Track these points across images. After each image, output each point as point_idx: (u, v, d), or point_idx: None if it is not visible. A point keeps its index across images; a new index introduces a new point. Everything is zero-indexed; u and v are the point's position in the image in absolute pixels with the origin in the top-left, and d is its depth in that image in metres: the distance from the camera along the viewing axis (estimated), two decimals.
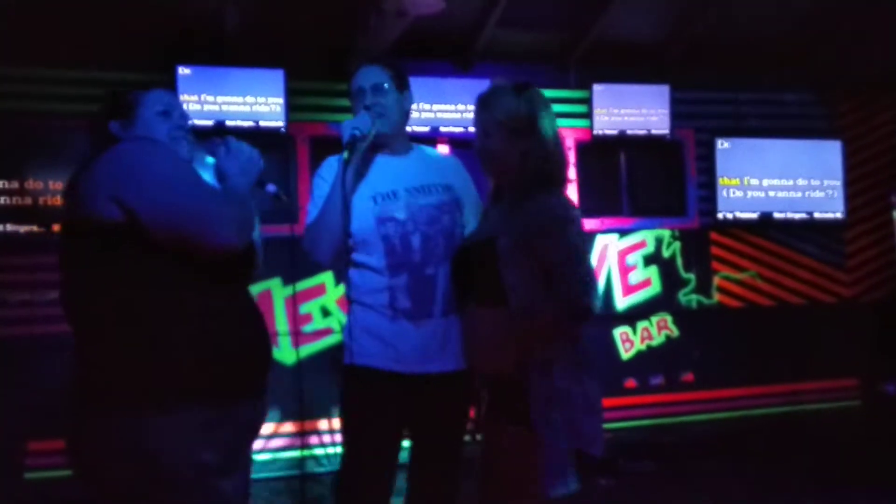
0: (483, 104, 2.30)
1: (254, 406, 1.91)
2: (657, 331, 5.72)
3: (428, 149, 2.63)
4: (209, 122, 4.86)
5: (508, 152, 2.23)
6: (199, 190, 1.80)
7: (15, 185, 4.70)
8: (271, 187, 2.09)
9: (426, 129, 5.21)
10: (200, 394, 1.74)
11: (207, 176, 2.01)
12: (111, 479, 1.74)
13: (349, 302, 2.41)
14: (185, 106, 2.12)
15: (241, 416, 1.85)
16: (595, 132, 5.64)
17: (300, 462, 4.85)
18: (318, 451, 4.96)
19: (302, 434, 4.89)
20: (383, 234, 2.32)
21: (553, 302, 2.11)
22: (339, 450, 4.52)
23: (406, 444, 2.41)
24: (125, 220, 1.73)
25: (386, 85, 2.40)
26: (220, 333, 1.79)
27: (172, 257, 1.75)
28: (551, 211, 2.17)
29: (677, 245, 5.81)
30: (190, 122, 2.08)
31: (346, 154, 2.27)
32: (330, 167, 2.41)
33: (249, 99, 5.02)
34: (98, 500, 1.81)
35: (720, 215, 5.83)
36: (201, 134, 2.11)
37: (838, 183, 6.02)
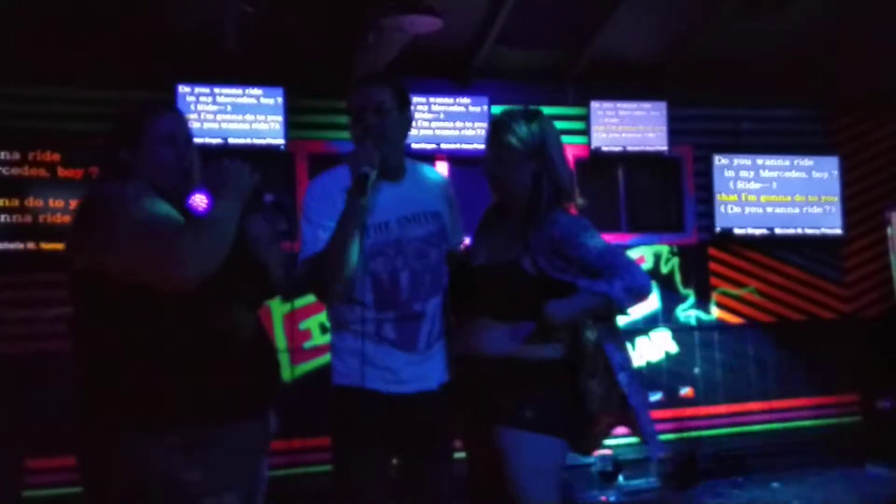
0: (496, 129, 2.37)
1: (251, 427, 1.94)
2: (656, 347, 5.72)
3: (419, 166, 2.54)
4: (215, 140, 4.92)
5: (521, 176, 2.32)
6: (156, 231, 1.81)
7: (15, 202, 4.70)
8: (268, 197, 2.04)
9: (425, 146, 5.23)
10: (183, 414, 1.81)
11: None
12: (102, 494, 1.82)
13: (332, 327, 2.41)
14: (190, 125, 2.10)
15: (231, 437, 1.88)
16: (593, 148, 5.66)
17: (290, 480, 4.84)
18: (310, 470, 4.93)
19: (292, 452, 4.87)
20: (371, 270, 2.29)
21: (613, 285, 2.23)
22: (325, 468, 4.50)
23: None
24: (94, 265, 1.82)
25: (386, 105, 2.33)
26: (208, 356, 1.84)
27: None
28: (570, 224, 2.29)
29: (676, 261, 5.82)
30: (194, 147, 2.06)
31: (356, 192, 2.20)
32: (325, 190, 2.34)
33: (249, 117, 5.05)
34: None
35: (718, 231, 5.84)
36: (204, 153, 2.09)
37: (836, 199, 6.04)
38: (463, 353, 2.35)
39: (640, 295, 2.28)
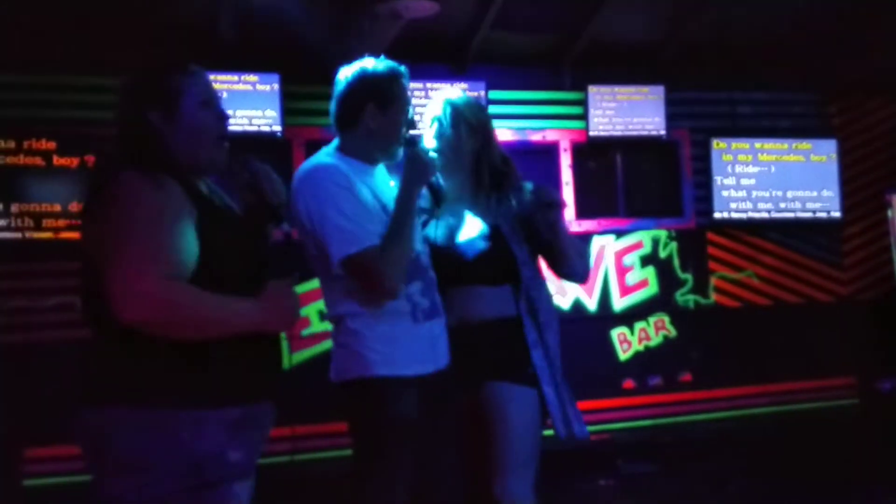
0: (450, 103, 2.60)
1: (268, 408, 1.91)
2: (655, 331, 5.72)
3: None
4: None
5: (469, 146, 2.55)
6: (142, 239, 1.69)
7: (10, 191, 4.68)
8: (286, 227, 2.13)
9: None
10: (231, 392, 1.76)
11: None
12: (140, 473, 1.68)
13: (348, 317, 2.30)
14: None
15: (260, 418, 1.86)
16: (591, 133, 5.64)
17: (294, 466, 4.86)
18: (315, 456, 4.94)
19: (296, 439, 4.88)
20: None
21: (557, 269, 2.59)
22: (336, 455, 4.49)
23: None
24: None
25: None
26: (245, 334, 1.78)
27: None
28: (541, 194, 2.53)
29: (674, 245, 5.82)
30: (226, 113, 1.98)
31: (426, 192, 2.46)
32: (345, 177, 2.44)
33: (245, 103, 5.02)
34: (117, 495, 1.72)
35: (716, 215, 5.83)
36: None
37: (834, 182, 6.02)
38: (454, 323, 2.45)
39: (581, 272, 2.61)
